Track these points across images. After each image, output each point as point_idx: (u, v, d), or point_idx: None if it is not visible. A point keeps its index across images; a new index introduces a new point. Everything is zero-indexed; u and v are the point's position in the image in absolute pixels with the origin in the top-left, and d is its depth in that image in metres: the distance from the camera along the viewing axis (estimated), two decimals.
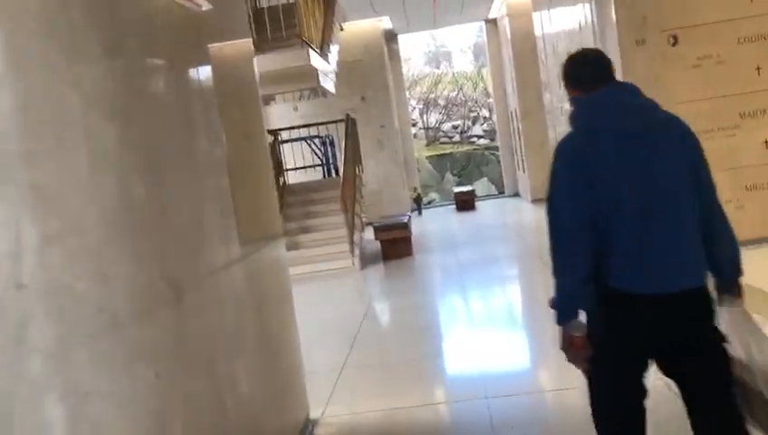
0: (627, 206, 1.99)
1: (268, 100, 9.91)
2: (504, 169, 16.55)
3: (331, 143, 11.97)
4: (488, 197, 17.32)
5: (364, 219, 10.67)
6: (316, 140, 11.74)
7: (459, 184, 19.26)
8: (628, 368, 2.06)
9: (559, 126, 10.74)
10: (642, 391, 2.09)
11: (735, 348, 2.04)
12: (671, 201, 2.01)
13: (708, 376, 2.04)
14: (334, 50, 9.78)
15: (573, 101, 2.20)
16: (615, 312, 2.01)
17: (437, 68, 28.19)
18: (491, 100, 22.33)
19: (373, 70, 15.05)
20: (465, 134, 25.26)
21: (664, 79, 6.59)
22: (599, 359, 2.05)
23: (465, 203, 14.82)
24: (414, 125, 24.28)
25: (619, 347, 2.03)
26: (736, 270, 2.12)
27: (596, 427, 2.14)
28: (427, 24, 16.43)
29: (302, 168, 11.75)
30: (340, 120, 11.07)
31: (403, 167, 15.07)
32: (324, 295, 7.66)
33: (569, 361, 2.10)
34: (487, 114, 24.61)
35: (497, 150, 18.80)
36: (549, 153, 10.81)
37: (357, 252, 8.92)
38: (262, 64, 8.14)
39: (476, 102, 26.00)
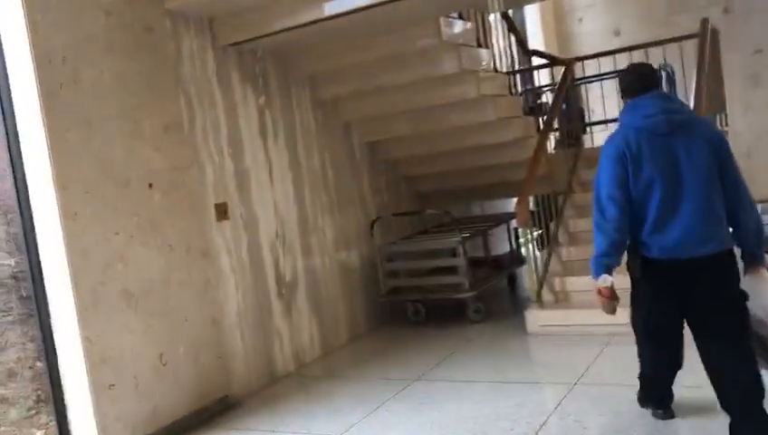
0: (658, 191, 2.64)
1: None
2: None
3: (670, 78, 7.24)
4: None
5: None
6: None
7: None
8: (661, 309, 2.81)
9: None
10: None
11: (757, 309, 2.71)
12: (691, 188, 2.63)
13: (723, 327, 2.67)
14: None
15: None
16: (648, 272, 2.74)
17: None
18: None
19: None
20: None
21: None
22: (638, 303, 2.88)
23: None
24: None
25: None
26: (757, 245, 2.68)
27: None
28: None
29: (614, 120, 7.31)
30: (688, 37, 6.38)
31: None
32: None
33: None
34: None
35: None
36: None
37: None
38: None
39: None
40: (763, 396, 2.66)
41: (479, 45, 5.40)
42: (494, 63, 5.88)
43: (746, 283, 2.67)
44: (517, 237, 6.69)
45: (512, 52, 6.53)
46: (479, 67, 5.21)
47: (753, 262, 2.70)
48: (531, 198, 5.37)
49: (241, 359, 4.40)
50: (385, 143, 6.08)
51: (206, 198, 4.27)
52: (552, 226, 5.52)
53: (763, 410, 2.65)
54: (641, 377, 3.13)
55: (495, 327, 5.26)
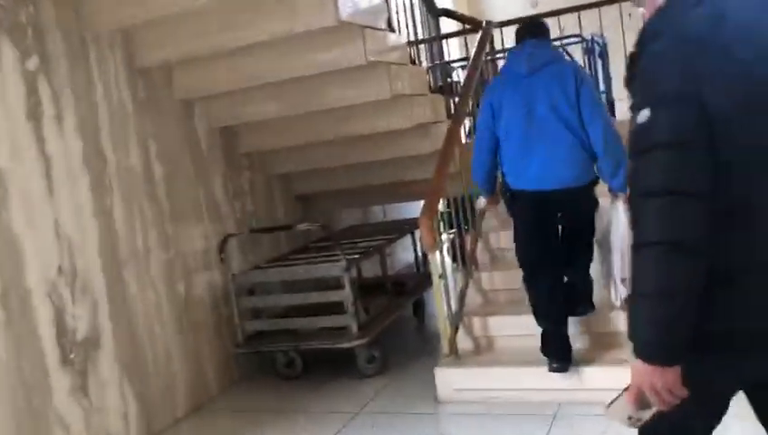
0: (514, 128, 2.98)
1: None
2: None
3: (602, 54, 6.03)
4: None
5: None
6: (571, 48, 5.85)
7: None
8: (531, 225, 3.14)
9: None
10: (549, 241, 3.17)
11: (615, 233, 2.97)
12: (544, 126, 2.92)
13: (572, 238, 3.18)
14: None
15: None
16: (511, 199, 3.16)
17: None
18: None
19: None
20: None
21: None
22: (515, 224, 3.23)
23: None
24: None
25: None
26: (616, 180, 2.93)
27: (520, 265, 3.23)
28: None
29: None
30: None
31: None
32: None
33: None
34: None
35: None
36: None
37: None
38: None
39: None
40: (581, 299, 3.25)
41: None
42: (391, 22, 4.39)
43: (612, 211, 3.01)
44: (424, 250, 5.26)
45: (413, 13, 5.07)
46: (368, 22, 3.71)
47: (611, 193, 3.03)
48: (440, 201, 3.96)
49: None
50: (245, 129, 4.48)
51: None
52: (466, 236, 4.14)
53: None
54: (533, 308, 3.20)
55: (395, 385, 3.80)
